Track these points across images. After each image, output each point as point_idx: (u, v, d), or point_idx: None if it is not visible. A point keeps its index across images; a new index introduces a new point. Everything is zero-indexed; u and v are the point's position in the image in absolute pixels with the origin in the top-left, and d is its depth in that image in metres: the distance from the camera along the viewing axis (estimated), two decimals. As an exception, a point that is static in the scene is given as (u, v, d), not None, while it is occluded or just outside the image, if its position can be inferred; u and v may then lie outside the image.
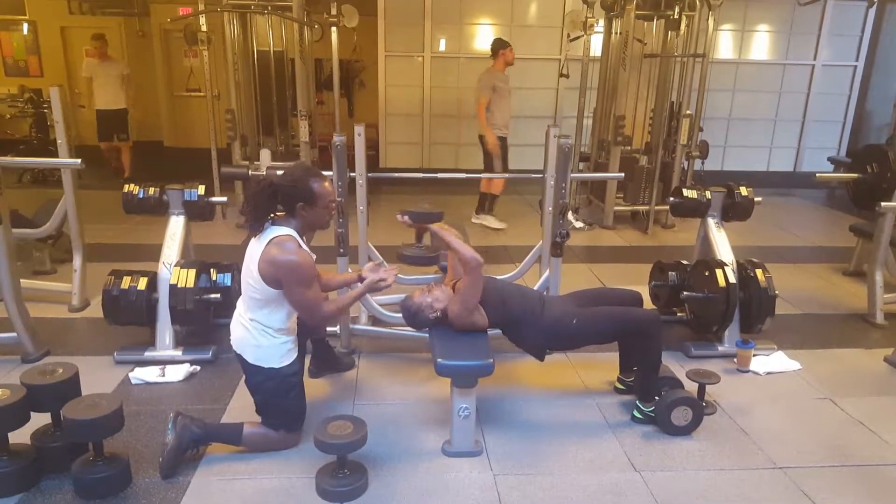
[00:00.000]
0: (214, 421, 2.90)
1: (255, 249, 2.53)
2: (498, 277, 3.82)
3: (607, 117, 6.79)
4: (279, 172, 2.70)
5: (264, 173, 3.46)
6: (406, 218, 2.87)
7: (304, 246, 2.57)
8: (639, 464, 2.73)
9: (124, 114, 8.41)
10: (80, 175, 4.16)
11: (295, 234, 2.55)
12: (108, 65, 8.24)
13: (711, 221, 3.99)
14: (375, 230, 3.90)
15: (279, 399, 2.65)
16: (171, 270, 3.47)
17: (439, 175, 4.26)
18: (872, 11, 9.02)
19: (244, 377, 2.70)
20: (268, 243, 2.49)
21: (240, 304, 2.68)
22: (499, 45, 6.37)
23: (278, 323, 2.60)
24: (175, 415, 2.59)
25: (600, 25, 6.99)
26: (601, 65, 7.03)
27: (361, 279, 2.90)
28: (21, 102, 9.09)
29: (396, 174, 4.49)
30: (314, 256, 2.62)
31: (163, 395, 3.18)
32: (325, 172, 3.44)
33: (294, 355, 2.68)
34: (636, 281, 4.21)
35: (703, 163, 7.20)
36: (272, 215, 2.57)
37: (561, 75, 7.28)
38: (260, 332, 2.58)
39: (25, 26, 10.48)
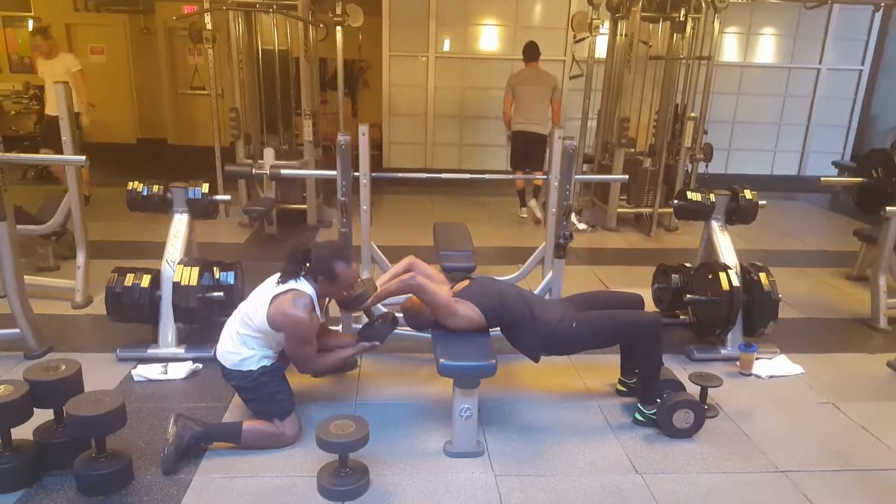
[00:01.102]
0: (216, 419, 2.92)
1: (272, 288, 2.69)
2: (499, 279, 3.82)
3: (611, 119, 6.78)
4: (318, 241, 2.93)
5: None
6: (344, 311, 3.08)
7: (318, 309, 2.74)
8: (640, 466, 2.73)
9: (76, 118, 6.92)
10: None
11: (314, 294, 2.70)
12: (55, 62, 6.68)
13: (715, 224, 3.98)
14: (379, 230, 3.91)
15: (259, 393, 2.75)
16: (175, 268, 3.47)
17: (443, 175, 4.27)
18: (878, 15, 9.01)
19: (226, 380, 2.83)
20: (286, 290, 2.65)
21: (235, 315, 2.82)
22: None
23: (264, 350, 2.75)
24: (176, 416, 2.62)
25: (605, 27, 6.98)
26: (606, 66, 7.02)
27: (357, 341, 3.05)
28: (25, 99, 9.11)
29: (400, 174, 4.48)
30: (323, 320, 2.88)
31: (165, 393, 3.19)
32: (329, 172, 3.46)
33: (272, 361, 2.79)
34: (639, 284, 4.21)
35: (707, 166, 7.19)
36: (302, 272, 2.73)
37: (572, 76, 7.27)
38: (241, 343, 2.73)
39: (31, 23, 10.49)
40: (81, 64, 6.75)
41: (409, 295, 3.01)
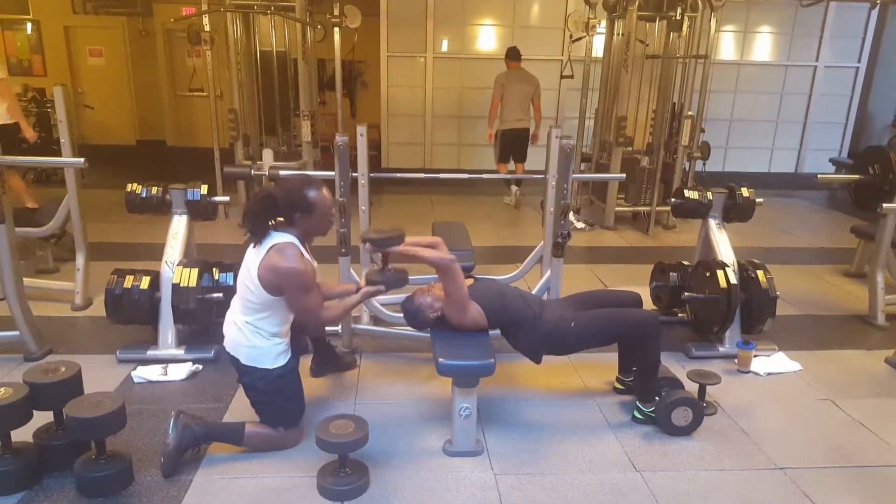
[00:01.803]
0: (216, 420, 2.92)
1: (255, 256, 2.54)
2: (498, 278, 3.84)
3: (609, 118, 6.80)
4: (279, 181, 2.71)
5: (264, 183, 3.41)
6: (368, 245, 2.89)
7: (307, 254, 2.59)
8: (639, 464, 2.73)
9: (13, 130, 6.27)
10: (84, 174, 4.17)
11: (296, 241, 2.55)
12: None
13: (713, 222, 3.99)
14: (377, 230, 3.92)
15: (272, 397, 2.67)
16: (174, 269, 3.48)
17: (441, 175, 4.28)
18: (875, 13, 9.02)
19: (237, 376, 2.72)
20: (269, 250, 2.49)
21: (234, 304, 2.68)
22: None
23: (273, 327, 2.62)
24: (177, 414, 2.59)
25: (602, 26, 7.00)
26: (603, 66, 7.03)
27: (358, 289, 2.91)
28: (24, 101, 9.10)
29: (399, 174, 4.50)
30: (316, 264, 2.67)
31: (165, 394, 3.19)
32: (327, 173, 3.47)
33: (287, 356, 2.68)
34: (637, 282, 4.22)
35: (704, 164, 7.21)
36: (272, 223, 2.57)
37: (564, 76, 7.28)
38: (254, 333, 2.59)
39: (29, 26, 10.50)
40: (5, 73, 6.32)
41: (410, 294, 3.01)
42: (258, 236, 2.55)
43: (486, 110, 8.73)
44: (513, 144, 7.41)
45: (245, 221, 2.56)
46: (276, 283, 2.50)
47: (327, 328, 3.33)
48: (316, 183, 2.62)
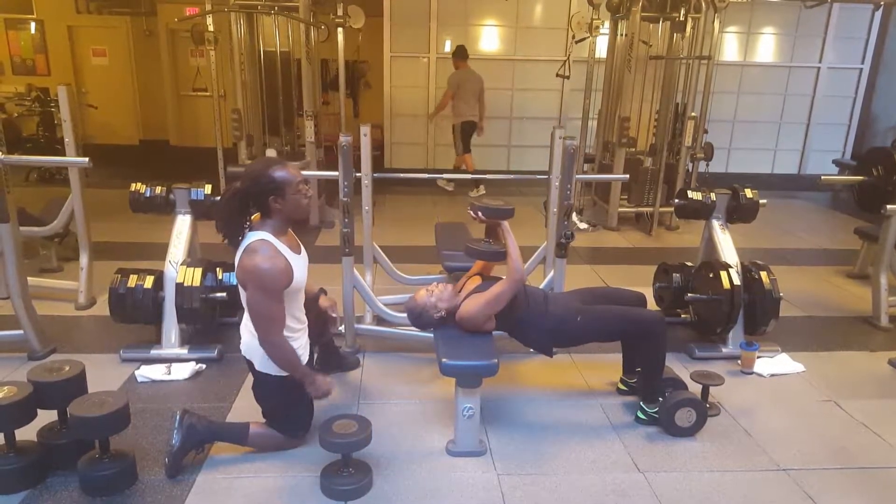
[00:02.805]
0: (220, 419, 2.92)
1: (236, 259, 2.49)
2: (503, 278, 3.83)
3: (612, 119, 6.79)
4: (241, 174, 2.62)
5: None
6: (480, 214, 2.87)
7: (282, 249, 2.46)
8: (642, 464, 2.73)
9: None
10: (87, 174, 4.18)
11: (270, 237, 2.44)
12: None
13: (716, 223, 3.99)
14: (381, 230, 3.92)
15: (287, 409, 2.66)
16: (178, 269, 3.48)
17: (444, 176, 4.28)
18: (878, 14, 9.00)
19: (252, 382, 2.69)
20: (243, 251, 2.43)
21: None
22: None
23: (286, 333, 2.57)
24: (182, 413, 2.58)
25: (606, 27, 6.99)
26: (606, 66, 7.03)
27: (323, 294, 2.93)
28: (28, 101, 9.13)
29: (402, 175, 4.50)
30: (303, 254, 2.60)
31: (168, 394, 3.20)
32: (331, 173, 3.47)
33: (304, 360, 2.65)
34: (640, 282, 4.21)
35: (707, 165, 7.20)
36: (247, 223, 2.49)
37: (558, 75, 7.27)
38: None
39: (33, 25, 10.52)
40: None
41: (413, 295, 3.01)
42: (235, 239, 2.46)
43: (489, 111, 8.78)
44: (469, 133, 8.13)
45: (218, 226, 2.46)
46: (243, 281, 2.42)
47: (331, 330, 3.31)
48: (279, 161, 2.53)
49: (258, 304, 2.41)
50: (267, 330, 2.46)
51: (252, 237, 2.45)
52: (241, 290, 2.50)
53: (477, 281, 3.04)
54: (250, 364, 2.62)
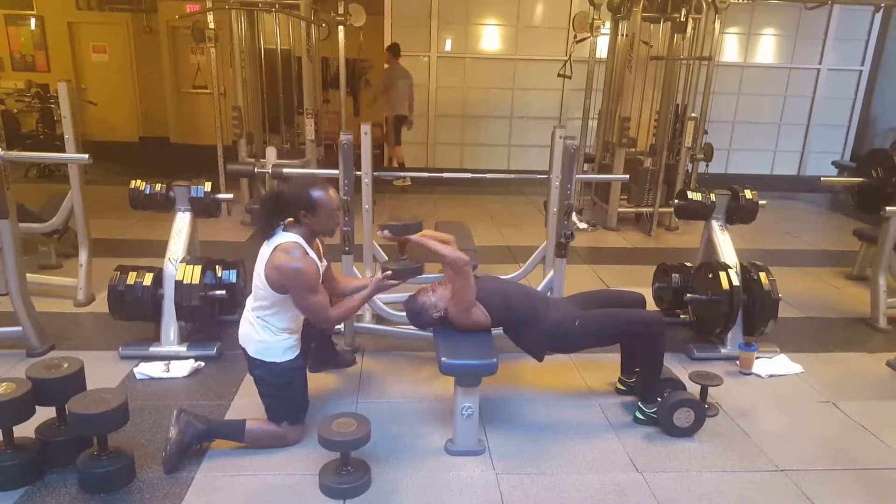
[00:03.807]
0: (218, 417, 2.93)
1: (264, 253, 2.61)
2: (502, 277, 3.83)
3: (612, 119, 6.80)
4: (288, 180, 2.77)
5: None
6: (386, 233, 2.90)
7: (311, 252, 2.64)
8: (641, 465, 2.74)
9: None
10: (87, 170, 4.18)
11: (301, 240, 2.61)
12: None
13: (715, 224, 3.99)
14: (380, 229, 3.92)
15: (280, 391, 2.71)
16: (177, 266, 3.48)
17: (444, 175, 4.28)
18: (879, 16, 9.01)
19: (249, 368, 2.76)
20: (274, 249, 2.57)
21: (249, 299, 2.74)
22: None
23: (282, 323, 2.66)
24: (178, 411, 2.61)
25: (606, 27, 7.00)
26: (607, 66, 7.03)
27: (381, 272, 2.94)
28: (28, 97, 9.12)
29: (402, 173, 4.50)
30: (324, 263, 2.75)
31: (167, 391, 3.20)
32: (331, 171, 3.47)
33: (296, 352, 2.72)
34: (640, 283, 4.22)
35: (707, 165, 7.20)
36: (282, 222, 2.65)
37: (560, 75, 7.27)
38: (263, 327, 2.65)
39: (33, 21, 10.51)
40: None
41: (413, 293, 3.01)
42: (267, 232, 2.62)
43: (490, 110, 8.79)
44: (399, 128, 8.48)
45: (255, 219, 2.64)
46: (281, 281, 2.55)
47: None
48: (321, 183, 2.66)
49: (305, 300, 2.60)
50: (324, 318, 2.73)
51: (284, 237, 2.60)
52: (259, 278, 2.59)
53: None
54: (245, 351, 2.72)
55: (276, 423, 2.72)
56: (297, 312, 2.68)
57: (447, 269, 2.90)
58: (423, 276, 2.99)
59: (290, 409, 2.74)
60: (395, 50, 8.29)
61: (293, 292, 2.59)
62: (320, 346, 3.35)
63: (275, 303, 2.61)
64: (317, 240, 2.76)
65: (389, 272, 2.83)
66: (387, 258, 3.79)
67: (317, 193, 2.59)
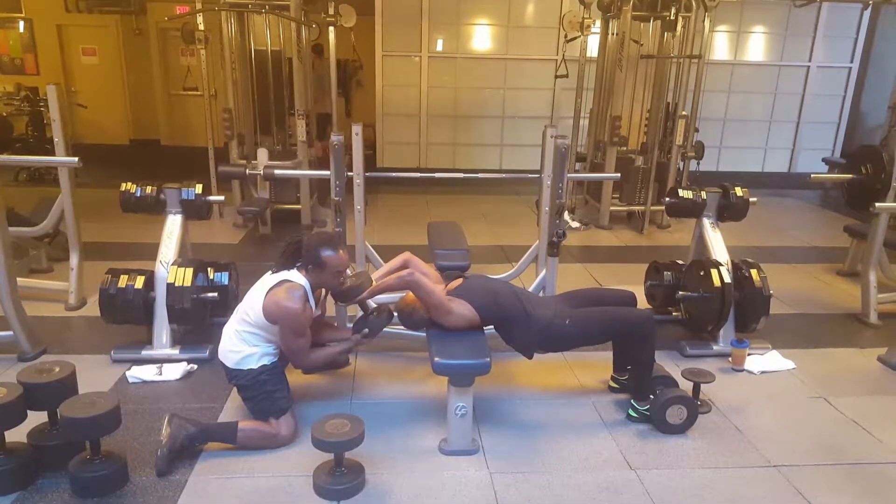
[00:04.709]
0: (211, 419, 2.92)
1: (268, 281, 2.74)
2: (493, 277, 3.84)
3: (604, 118, 6.81)
4: (310, 233, 2.95)
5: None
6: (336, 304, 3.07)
7: (311, 300, 2.78)
8: (634, 462, 2.74)
9: None
10: (77, 173, 4.16)
11: (307, 285, 2.74)
12: None
13: (707, 222, 4.01)
14: (373, 229, 3.92)
15: (258, 391, 2.76)
16: (169, 269, 3.47)
17: (436, 175, 4.28)
18: (867, 13, 9.06)
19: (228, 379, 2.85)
20: (280, 283, 2.70)
21: (235, 314, 2.85)
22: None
23: (260, 341, 2.77)
24: (170, 416, 2.63)
25: (597, 26, 7.01)
26: (598, 65, 7.05)
27: (352, 333, 3.07)
28: (17, 100, 9.07)
29: (394, 174, 4.51)
30: (319, 313, 2.93)
31: (160, 394, 3.19)
32: (323, 172, 3.46)
33: (272, 359, 2.80)
34: (632, 281, 4.23)
35: (698, 163, 7.22)
36: (296, 265, 2.78)
37: (558, 76, 7.29)
38: (241, 340, 2.76)
39: (22, 24, 10.44)
40: None
41: (405, 293, 3.02)
42: (280, 268, 2.78)
43: (482, 110, 8.80)
44: (324, 127, 8.26)
45: (279, 257, 2.80)
46: (274, 316, 2.67)
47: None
48: (335, 245, 2.78)
49: (289, 341, 2.74)
50: (298, 359, 2.85)
51: (292, 276, 2.75)
52: (255, 300, 2.71)
53: (459, 281, 3.07)
54: (224, 366, 2.82)
55: (264, 419, 2.74)
56: (276, 335, 2.77)
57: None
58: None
59: (272, 404, 2.77)
60: (317, 50, 8.41)
61: (281, 330, 2.71)
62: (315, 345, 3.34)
63: (260, 327, 2.73)
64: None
65: (367, 331, 2.97)
66: (378, 258, 3.79)
67: (326, 253, 2.73)
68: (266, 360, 2.77)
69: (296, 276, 2.74)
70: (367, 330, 2.98)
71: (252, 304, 2.73)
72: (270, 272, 2.79)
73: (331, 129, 7.93)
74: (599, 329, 3.01)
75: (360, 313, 3.23)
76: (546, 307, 3.03)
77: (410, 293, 2.98)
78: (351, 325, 3.47)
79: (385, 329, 3.69)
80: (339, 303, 3.16)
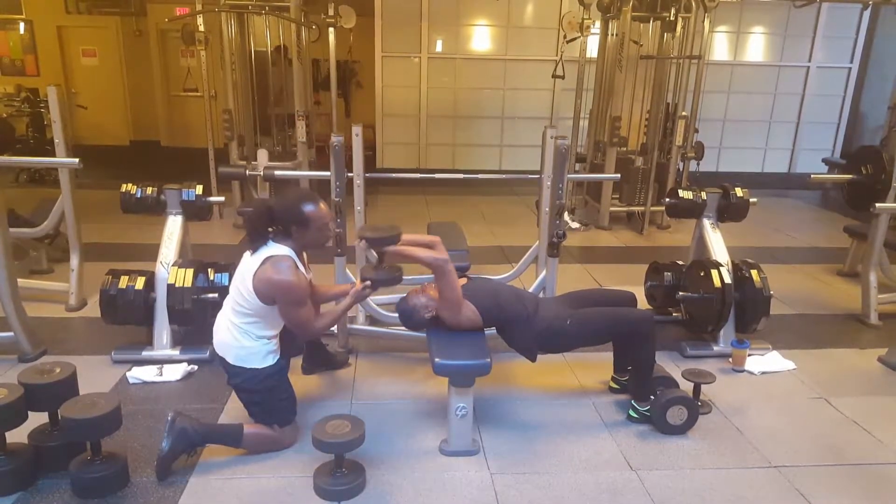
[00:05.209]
0: (212, 420, 2.92)
1: (251, 264, 2.56)
2: (493, 278, 3.84)
3: (603, 118, 6.81)
4: (280, 194, 2.77)
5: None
6: (363, 243, 2.89)
7: (301, 266, 2.63)
8: (635, 463, 2.74)
9: None
10: (78, 174, 4.16)
11: (292, 253, 2.59)
12: None
13: (707, 222, 4.01)
14: (373, 230, 3.92)
15: (263, 397, 2.68)
16: (169, 270, 3.47)
17: (436, 175, 4.28)
18: (867, 14, 9.07)
19: (227, 378, 2.73)
20: (264, 261, 2.53)
21: (226, 306, 2.70)
22: None
23: (261, 330, 2.64)
24: (174, 416, 2.55)
25: (596, 27, 7.01)
26: (597, 66, 7.05)
27: (361, 279, 2.92)
28: (17, 102, 9.07)
29: (394, 174, 4.51)
30: (310, 275, 2.72)
31: (160, 395, 3.19)
32: (323, 173, 3.47)
33: (276, 357, 2.70)
34: (632, 281, 4.23)
35: (698, 164, 7.23)
36: (271, 230, 2.61)
37: (554, 76, 7.29)
38: (242, 334, 2.62)
39: (22, 25, 10.45)
40: None
41: (405, 294, 3.01)
42: (256, 243, 2.58)
43: (481, 111, 8.80)
44: None
45: (248, 232, 2.62)
46: (270, 294, 2.54)
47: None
48: (313, 198, 2.65)
49: (292, 314, 2.60)
50: (306, 328, 2.69)
51: (274, 248, 2.57)
52: (242, 284, 2.56)
53: (462, 281, 3.06)
54: (224, 361, 2.68)
55: (268, 425, 2.70)
56: (278, 321, 2.66)
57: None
58: (418, 277, 2.99)
59: (277, 413, 2.72)
60: (279, 50, 8.46)
61: (281, 305, 2.57)
62: (311, 347, 3.34)
63: (258, 313, 2.59)
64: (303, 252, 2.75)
65: (368, 282, 2.81)
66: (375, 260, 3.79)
67: (308, 208, 2.58)
68: (271, 360, 2.66)
69: (276, 248, 2.57)
70: (373, 278, 2.78)
71: (241, 291, 2.57)
72: (249, 253, 2.60)
73: (291, 130, 7.50)
74: (600, 329, 3.01)
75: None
76: (546, 308, 3.03)
77: (412, 293, 2.97)
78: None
79: (385, 329, 3.71)
80: (366, 248, 2.88)
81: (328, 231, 2.72)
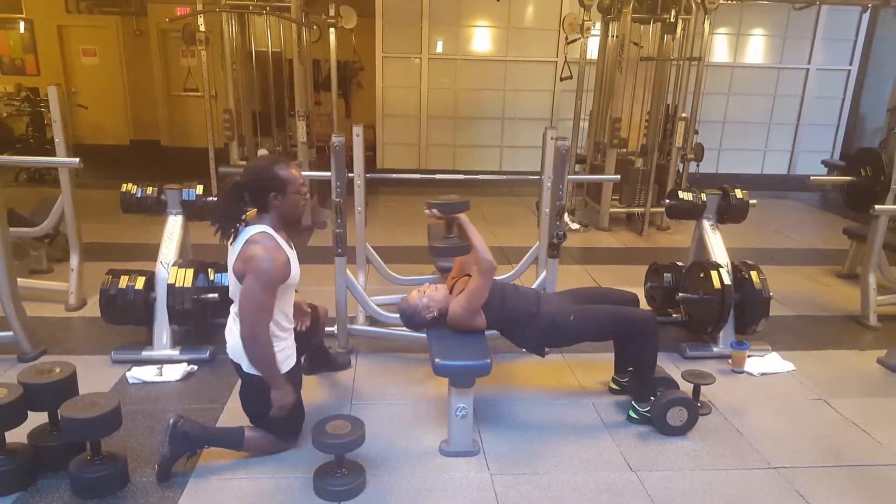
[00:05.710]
0: (212, 420, 2.92)
1: (232, 253, 2.49)
2: (495, 278, 3.84)
3: (603, 120, 6.82)
4: (244, 168, 2.66)
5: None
6: (434, 211, 2.87)
7: (283, 243, 2.52)
8: (634, 463, 2.75)
9: None
10: (78, 174, 4.16)
11: (271, 230, 2.48)
12: None
13: (706, 223, 4.01)
14: (373, 231, 3.92)
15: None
16: (169, 270, 3.47)
17: (437, 176, 4.28)
18: (866, 16, 9.08)
19: (239, 386, 2.69)
20: (245, 242, 2.43)
21: (232, 309, 2.63)
22: None
23: (271, 326, 2.53)
24: (175, 420, 2.50)
25: (597, 28, 7.02)
26: (598, 67, 7.06)
27: (312, 310, 2.97)
28: (18, 101, 9.07)
29: (394, 175, 4.50)
30: (295, 255, 2.60)
31: (160, 395, 3.18)
32: (323, 174, 3.47)
33: (292, 362, 2.64)
34: (632, 282, 4.23)
35: (698, 165, 7.24)
36: (243, 218, 2.51)
37: (563, 78, 7.30)
38: None
39: (22, 25, 10.46)
40: None
41: (405, 295, 3.02)
42: (228, 231, 2.49)
43: (481, 111, 8.80)
44: None
45: (213, 219, 2.49)
46: (244, 271, 2.40)
47: (322, 332, 3.26)
48: (282, 160, 2.56)
49: (252, 294, 2.39)
50: (254, 323, 2.42)
51: (253, 230, 2.46)
52: (233, 282, 2.49)
53: (467, 280, 3.05)
54: (238, 367, 2.60)
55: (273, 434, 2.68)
56: (282, 311, 2.57)
57: (469, 265, 2.87)
58: (415, 277, 3.00)
59: (286, 429, 2.69)
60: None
61: (245, 281, 2.38)
62: (313, 349, 3.34)
63: None
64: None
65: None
66: (379, 259, 3.79)
67: (282, 171, 2.45)
68: (288, 365, 2.59)
69: (254, 228, 2.44)
70: (443, 246, 2.75)
71: (232, 287, 2.50)
72: (230, 244, 2.50)
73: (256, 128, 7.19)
74: (603, 326, 3.01)
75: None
76: (549, 303, 3.04)
77: (413, 294, 2.97)
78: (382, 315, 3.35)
79: (385, 330, 3.71)
80: (437, 217, 2.81)
81: (304, 196, 2.56)
